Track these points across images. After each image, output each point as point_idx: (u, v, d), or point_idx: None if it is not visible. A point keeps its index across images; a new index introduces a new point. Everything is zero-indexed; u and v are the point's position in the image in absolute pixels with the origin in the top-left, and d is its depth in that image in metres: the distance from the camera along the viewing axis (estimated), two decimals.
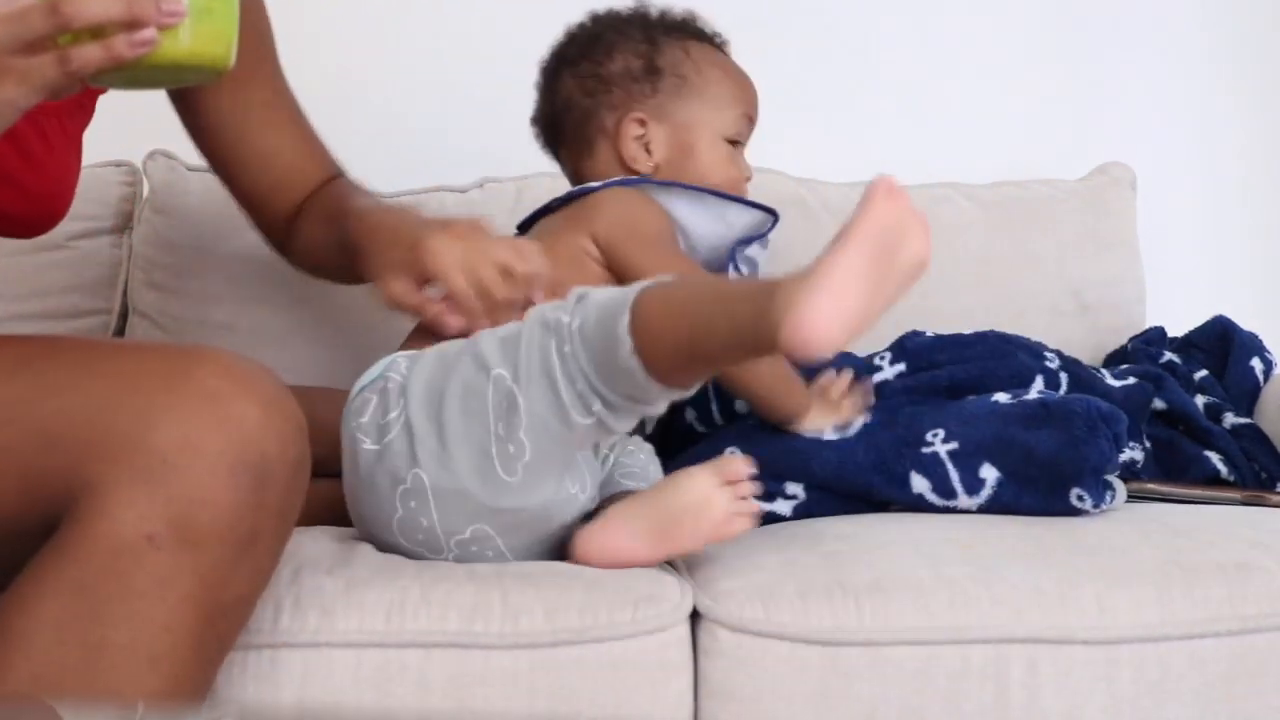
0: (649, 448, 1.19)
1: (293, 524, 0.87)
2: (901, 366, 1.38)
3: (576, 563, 1.01)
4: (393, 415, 0.99)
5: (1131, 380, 1.42)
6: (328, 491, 1.08)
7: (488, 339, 0.99)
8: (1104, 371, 1.46)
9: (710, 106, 1.24)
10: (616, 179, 1.22)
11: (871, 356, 1.40)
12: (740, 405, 1.31)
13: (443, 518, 0.99)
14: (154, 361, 0.85)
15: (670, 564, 1.06)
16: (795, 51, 1.98)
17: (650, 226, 1.18)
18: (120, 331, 1.62)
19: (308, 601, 0.95)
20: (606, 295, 0.94)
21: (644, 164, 1.22)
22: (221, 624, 0.84)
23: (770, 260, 1.70)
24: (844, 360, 1.31)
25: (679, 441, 1.33)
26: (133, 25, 0.76)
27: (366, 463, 1.01)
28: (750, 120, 1.27)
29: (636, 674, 0.95)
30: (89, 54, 0.76)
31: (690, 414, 1.37)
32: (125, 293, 1.63)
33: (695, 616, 0.99)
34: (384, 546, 1.03)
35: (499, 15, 1.84)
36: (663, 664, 0.96)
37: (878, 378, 1.35)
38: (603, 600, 0.96)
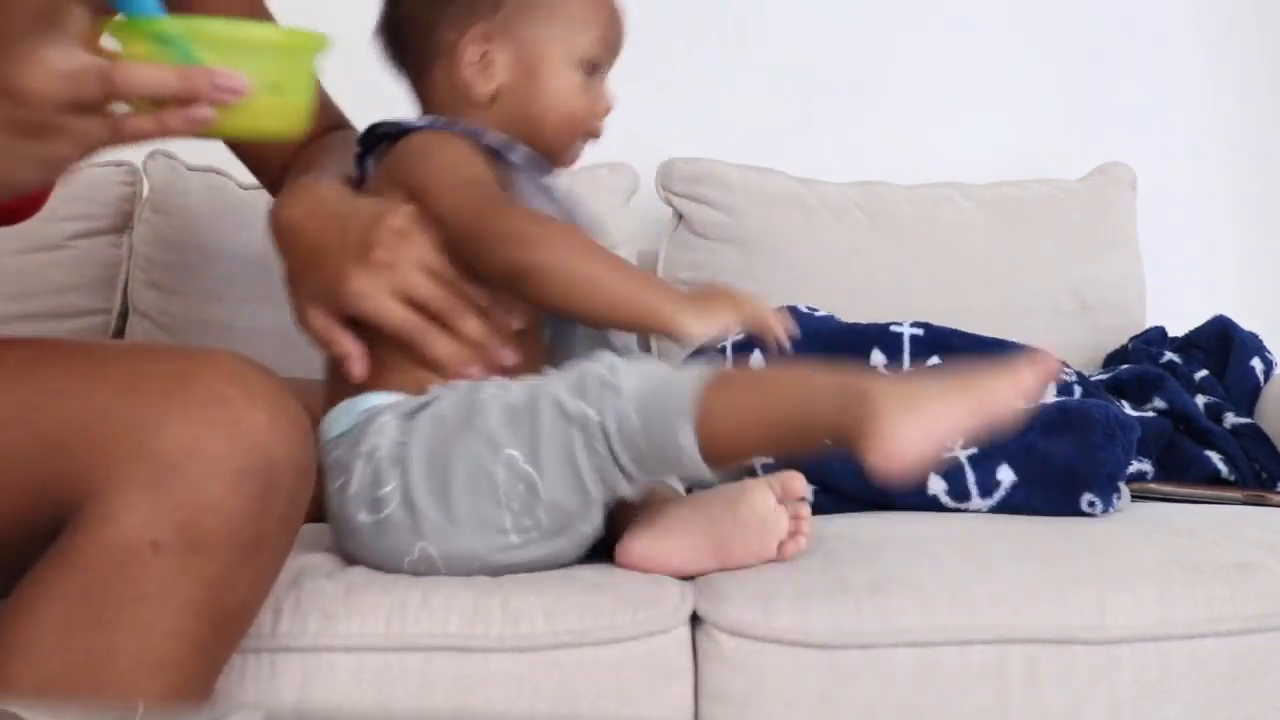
0: None
1: (298, 529, 0.87)
2: (920, 333, 1.40)
3: (619, 565, 1.00)
4: (389, 489, 0.96)
5: (1150, 413, 1.43)
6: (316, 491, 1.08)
7: (492, 409, 0.95)
8: (1123, 402, 1.46)
9: (561, 25, 1.08)
10: (424, 121, 1.09)
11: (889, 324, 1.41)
12: (755, 360, 1.32)
13: (451, 570, 0.97)
14: (159, 366, 0.84)
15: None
16: (796, 52, 1.98)
17: (457, 175, 1.03)
18: (120, 331, 1.62)
19: (308, 605, 0.95)
20: (645, 389, 0.90)
21: (481, 89, 1.07)
22: (225, 630, 0.84)
23: (771, 259, 1.70)
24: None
25: None
26: (188, 101, 0.75)
27: (363, 532, 0.98)
28: (609, 46, 1.10)
29: (637, 677, 0.95)
30: (141, 125, 0.76)
31: None
32: (125, 292, 1.63)
33: (695, 620, 0.99)
34: None
35: None
36: (663, 667, 0.96)
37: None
38: (603, 603, 0.96)
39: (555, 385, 0.94)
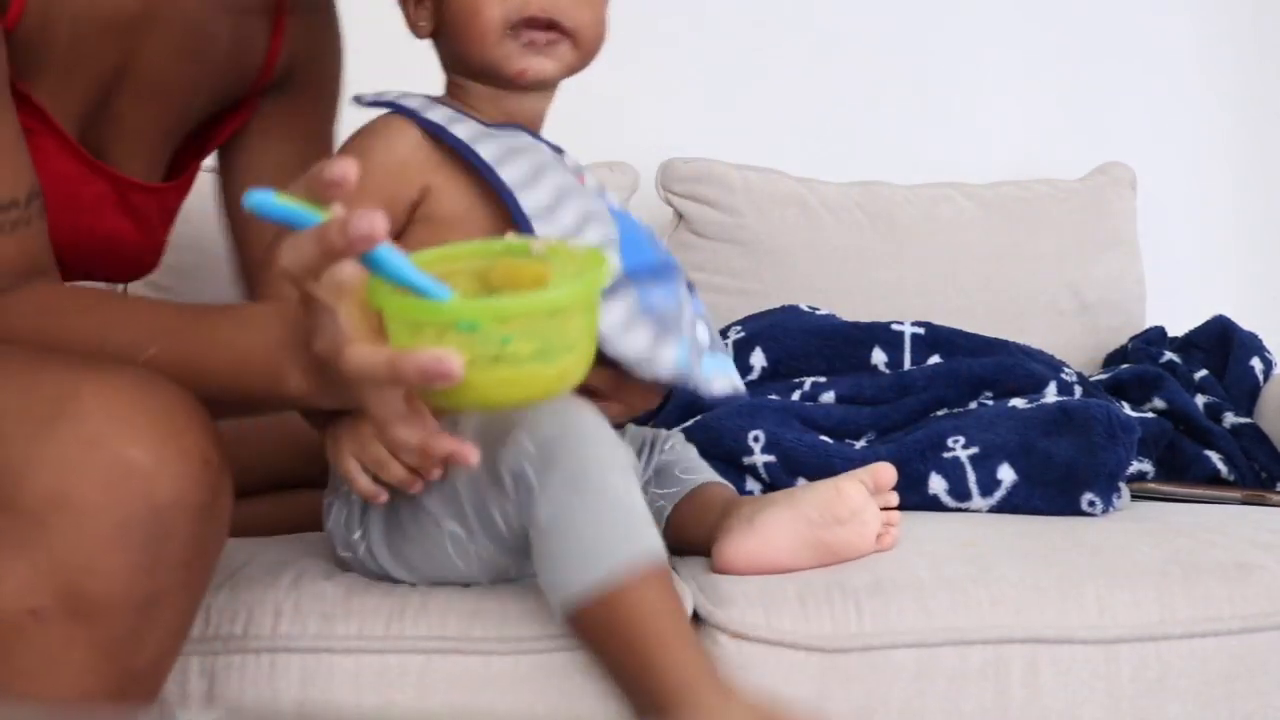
0: (680, 436, 1.14)
1: (209, 572, 0.77)
2: (921, 331, 1.40)
3: (718, 571, 0.99)
4: (355, 536, 0.96)
5: (1150, 414, 1.43)
6: (308, 504, 1.08)
7: (430, 496, 0.91)
8: (1123, 403, 1.46)
9: None
10: (369, 98, 0.97)
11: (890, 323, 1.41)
12: (756, 359, 1.32)
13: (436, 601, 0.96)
14: (28, 402, 0.73)
15: (670, 566, 1.06)
16: (796, 52, 1.98)
17: None
18: None
19: (308, 607, 0.94)
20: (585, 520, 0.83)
21: (422, 27, 0.97)
22: (135, 691, 0.75)
23: (771, 259, 1.70)
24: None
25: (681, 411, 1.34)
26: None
27: (341, 555, 0.99)
28: None
29: None
30: (394, 471, 0.84)
31: None
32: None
33: (695, 620, 0.98)
34: None
35: None
36: None
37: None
38: None
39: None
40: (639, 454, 1.08)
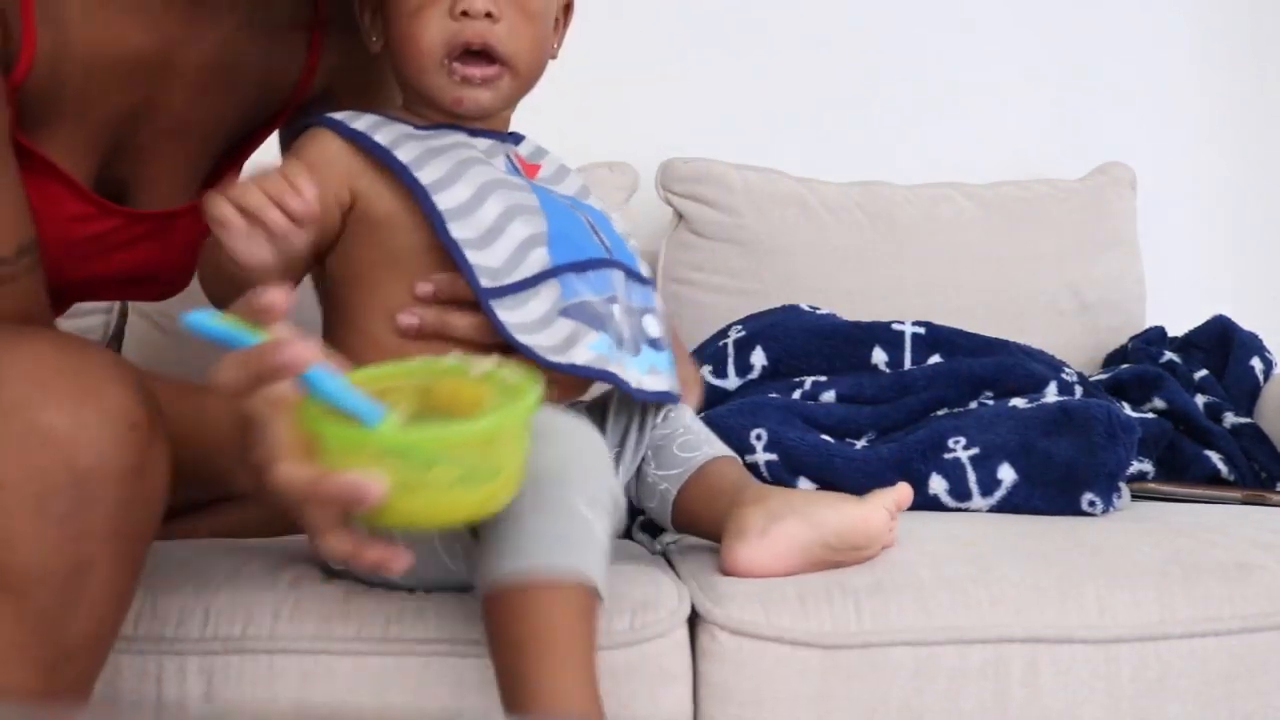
0: (688, 410, 1.08)
1: (145, 539, 0.74)
2: (921, 331, 1.40)
3: (726, 573, 0.98)
4: None
5: (1150, 415, 1.43)
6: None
7: None
8: (1124, 403, 1.46)
9: None
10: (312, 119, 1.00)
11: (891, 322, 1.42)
12: (756, 358, 1.33)
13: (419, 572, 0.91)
14: None
15: (670, 565, 1.06)
16: (796, 52, 1.98)
17: None
18: (120, 332, 1.62)
19: (307, 608, 0.94)
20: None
21: (373, 44, 1.00)
22: (69, 668, 0.72)
23: (771, 259, 1.70)
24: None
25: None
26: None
27: (336, 568, 0.98)
28: None
29: (635, 680, 0.95)
30: (326, 545, 0.73)
31: (705, 368, 1.39)
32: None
33: (695, 619, 0.98)
34: None
35: None
36: (662, 670, 0.96)
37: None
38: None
39: None
40: (624, 434, 1.04)
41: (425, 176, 0.93)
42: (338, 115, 0.96)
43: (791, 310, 1.49)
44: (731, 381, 1.41)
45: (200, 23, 0.93)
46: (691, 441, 1.04)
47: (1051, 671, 0.97)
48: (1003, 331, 1.56)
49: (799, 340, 1.41)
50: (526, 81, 0.98)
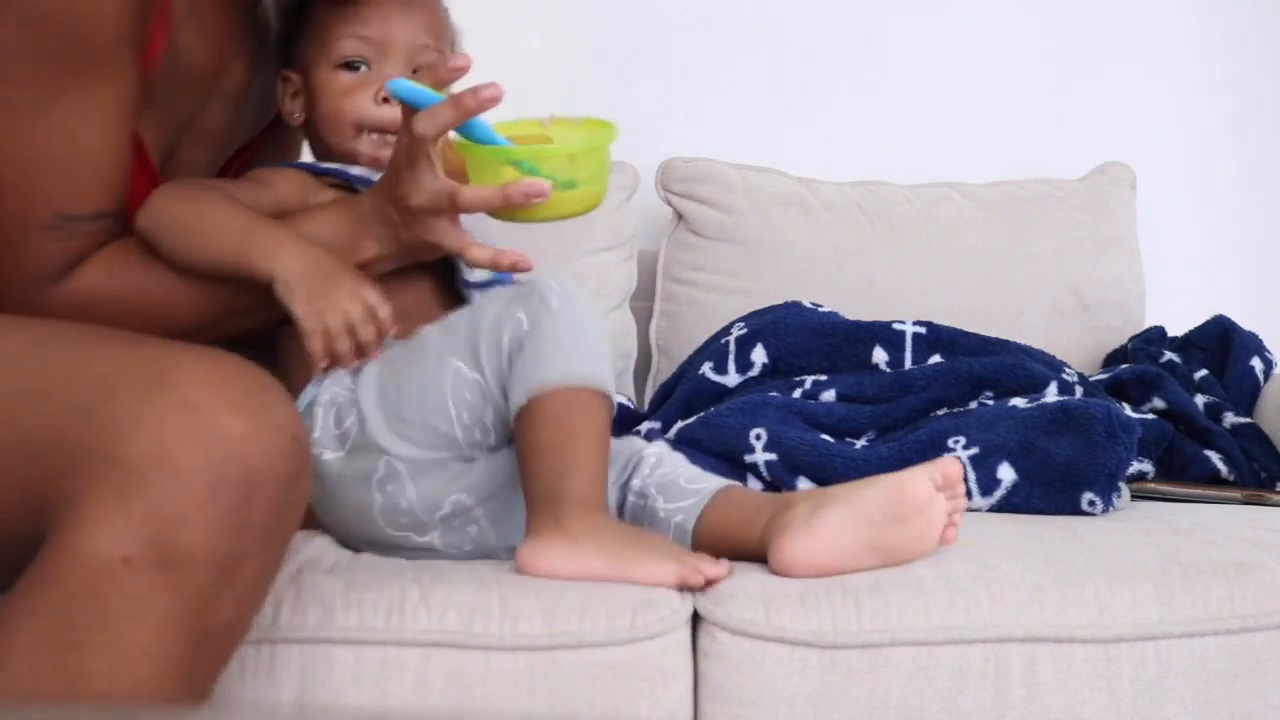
0: (664, 446, 1.16)
1: (287, 541, 0.83)
2: (922, 331, 1.40)
3: (776, 573, 0.99)
4: (349, 422, 1.02)
5: (1151, 416, 1.43)
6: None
7: (432, 334, 1.03)
8: (1124, 404, 1.46)
9: (318, 37, 1.13)
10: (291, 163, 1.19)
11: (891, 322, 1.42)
12: (757, 355, 1.33)
13: (421, 494, 1.01)
14: (135, 366, 0.80)
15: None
16: (796, 51, 1.98)
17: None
18: None
19: (308, 598, 0.95)
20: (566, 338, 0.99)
21: (294, 115, 1.16)
22: (208, 649, 0.79)
23: (770, 258, 1.70)
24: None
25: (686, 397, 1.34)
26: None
27: (332, 471, 1.03)
28: (364, 38, 1.11)
29: (636, 678, 0.95)
30: (478, 255, 1.02)
31: (706, 364, 1.39)
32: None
33: (695, 619, 0.99)
34: (370, 542, 1.05)
35: (495, 31, 1.84)
36: (662, 669, 0.96)
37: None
38: (601, 605, 0.95)
39: (489, 302, 1.02)
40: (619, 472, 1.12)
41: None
42: (304, 161, 1.16)
43: (794, 307, 1.49)
44: (732, 378, 1.41)
45: (237, 45, 1.03)
46: (696, 475, 1.10)
47: (1051, 671, 0.97)
48: (1003, 331, 1.56)
49: (800, 338, 1.42)
50: None
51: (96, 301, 1.01)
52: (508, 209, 0.98)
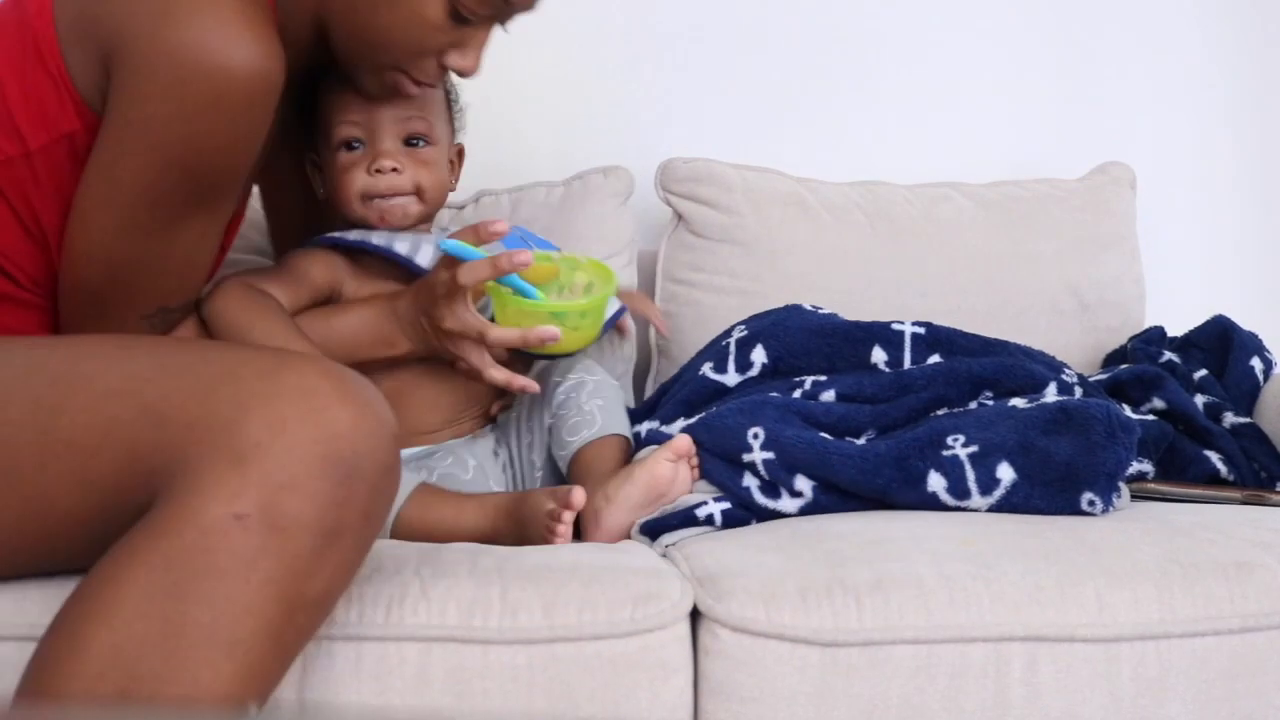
0: (575, 380, 1.35)
1: (378, 528, 0.88)
2: (921, 331, 1.40)
3: (586, 538, 1.18)
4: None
5: (1151, 417, 1.43)
6: None
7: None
8: (1124, 404, 1.46)
9: (322, 125, 1.31)
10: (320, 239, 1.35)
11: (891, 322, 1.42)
12: (757, 355, 1.36)
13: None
14: (258, 357, 0.89)
15: (671, 562, 1.06)
16: (796, 52, 1.98)
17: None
18: None
19: None
20: None
21: (319, 190, 1.35)
22: (301, 617, 0.83)
23: (770, 259, 1.70)
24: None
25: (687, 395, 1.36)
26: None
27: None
28: (355, 122, 1.28)
29: (636, 672, 0.95)
30: (495, 375, 1.24)
31: (707, 364, 1.39)
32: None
33: (695, 615, 0.99)
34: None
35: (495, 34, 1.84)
36: (662, 663, 0.96)
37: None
38: (601, 597, 0.96)
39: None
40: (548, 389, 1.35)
41: (381, 240, 1.33)
42: (332, 235, 1.33)
43: (794, 310, 1.49)
44: (731, 377, 1.41)
45: (281, 59, 1.07)
46: (575, 425, 1.31)
47: (1051, 670, 0.97)
48: (1003, 332, 1.56)
49: (799, 339, 1.42)
50: (433, 205, 1.34)
51: None
52: (525, 347, 1.22)
